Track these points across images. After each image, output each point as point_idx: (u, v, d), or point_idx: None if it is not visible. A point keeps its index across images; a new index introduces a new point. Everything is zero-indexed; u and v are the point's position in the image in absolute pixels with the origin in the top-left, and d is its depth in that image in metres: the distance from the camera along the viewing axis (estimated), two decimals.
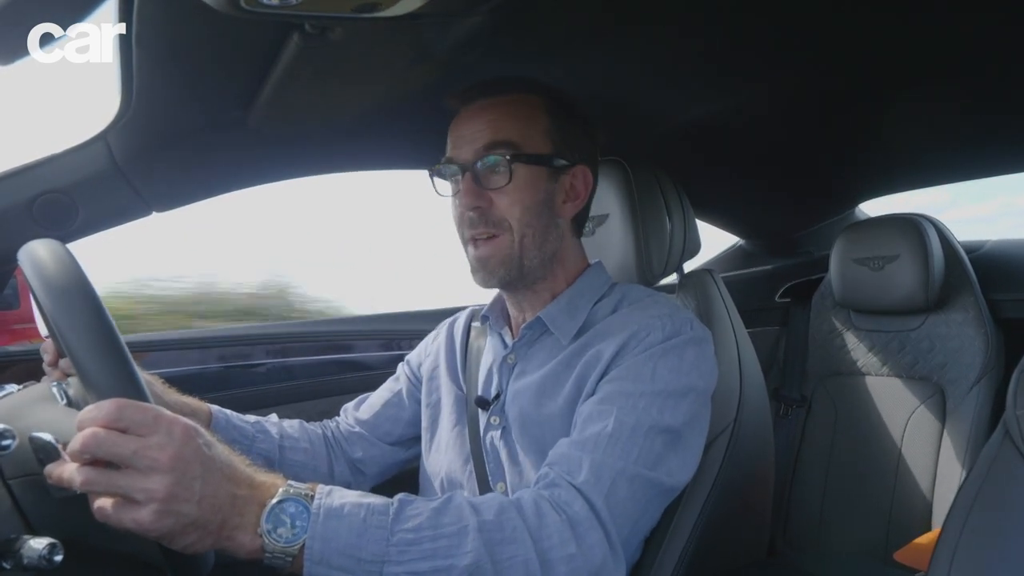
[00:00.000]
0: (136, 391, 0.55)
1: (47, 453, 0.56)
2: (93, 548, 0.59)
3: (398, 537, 0.59)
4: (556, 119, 0.87)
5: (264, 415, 1.01)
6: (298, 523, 0.57)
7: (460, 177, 0.84)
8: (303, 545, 0.56)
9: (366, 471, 1.02)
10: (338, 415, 1.09)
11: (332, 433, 1.04)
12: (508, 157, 0.82)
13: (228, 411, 0.94)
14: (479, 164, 0.83)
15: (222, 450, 0.58)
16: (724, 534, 0.88)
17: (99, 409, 0.52)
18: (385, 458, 1.03)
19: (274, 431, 0.96)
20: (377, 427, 1.04)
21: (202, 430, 0.57)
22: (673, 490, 0.77)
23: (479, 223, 0.84)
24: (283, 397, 1.33)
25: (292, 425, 1.00)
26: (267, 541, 0.55)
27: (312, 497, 0.58)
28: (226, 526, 0.55)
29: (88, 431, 0.52)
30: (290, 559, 0.56)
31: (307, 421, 1.04)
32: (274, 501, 0.57)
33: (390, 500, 0.62)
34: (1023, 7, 0.80)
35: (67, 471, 0.53)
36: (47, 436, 0.57)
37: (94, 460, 0.52)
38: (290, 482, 0.59)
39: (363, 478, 1.02)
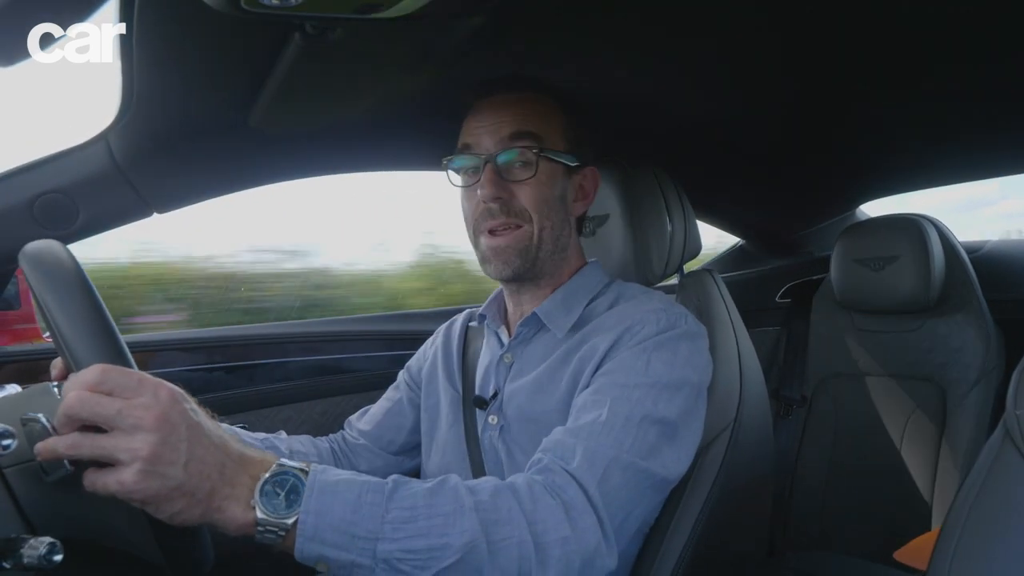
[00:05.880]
0: (123, 362, 0.55)
1: (38, 434, 0.56)
2: (93, 548, 0.59)
3: (393, 514, 0.58)
4: (570, 120, 0.89)
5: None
6: (292, 497, 0.56)
7: (481, 168, 0.84)
8: (295, 521, 0.55)
9: None
10: (338, 418, 1.09)
11: (339, 447, 1.03)
12: (535, 151, 0.83)
13: (238, 428, 0.93)
14: (501, 156, 0.84)
15: (211, 421, 0.57)
16: (724, 534, 0.87)
17: (83, 374, 0.52)
18: (390, 469, 1.02)
19: (283, 447, 0.96)
20: (380, 438, 1.04)
21: (189, 397, 0.56)
22: (666, 482, 0.77)
23: (500, 214, 0.84)
24: (283, 397, 1.32)
25: (301, 441, 1.00)
26: (260, 514, 0.54)
27: (307, 473, 0.58)
28: (216, 495, 0.53)
29: (72, 394, 0.51)
30: (282, 534, 0.55)
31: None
32: (268, 474, 0.56)
33: (385, 480, 0.61)
34: (1023, 6, 0.81)
35: (54, 442, 0.53)
36: (39, 415, 0.57)
37: (81, 428, 0.52)
38: (283, 459, 0.58)
39: None
